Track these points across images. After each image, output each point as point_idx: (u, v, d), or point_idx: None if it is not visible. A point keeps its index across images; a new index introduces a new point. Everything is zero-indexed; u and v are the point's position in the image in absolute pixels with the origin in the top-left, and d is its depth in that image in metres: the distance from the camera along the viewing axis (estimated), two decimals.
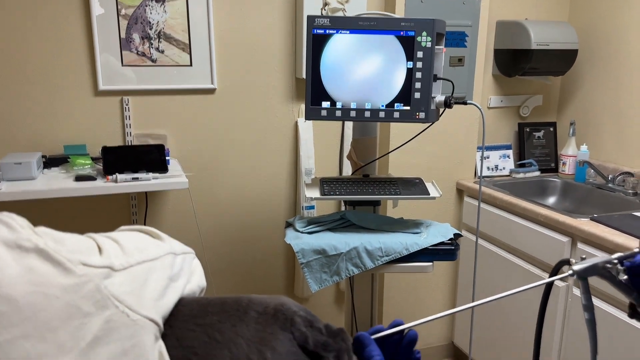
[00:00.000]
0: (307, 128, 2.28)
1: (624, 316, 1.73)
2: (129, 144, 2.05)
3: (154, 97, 2.08)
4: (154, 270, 0.56)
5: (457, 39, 2.33)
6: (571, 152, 2.50)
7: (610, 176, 2.33)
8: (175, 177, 1.86)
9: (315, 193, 1.74)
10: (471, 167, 2.50)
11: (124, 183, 1.75)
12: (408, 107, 1.65)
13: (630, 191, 2.25)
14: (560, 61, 2.44)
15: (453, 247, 1.72)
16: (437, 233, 1.76)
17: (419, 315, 2.60)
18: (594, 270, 0.73)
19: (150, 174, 1.80)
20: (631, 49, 2.33)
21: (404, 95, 1.64)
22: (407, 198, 1.74)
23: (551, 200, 2.51)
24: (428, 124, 1.74)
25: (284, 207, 2.36)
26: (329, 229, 1.77)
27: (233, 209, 2.28)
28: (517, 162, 2.62)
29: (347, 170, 2.19)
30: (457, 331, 2.64)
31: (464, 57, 2.38)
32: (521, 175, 2.55)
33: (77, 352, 0.45)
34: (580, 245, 1.89)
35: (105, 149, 1.81)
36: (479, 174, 2.53)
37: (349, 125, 2.19)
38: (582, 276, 0.73)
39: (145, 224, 2.15)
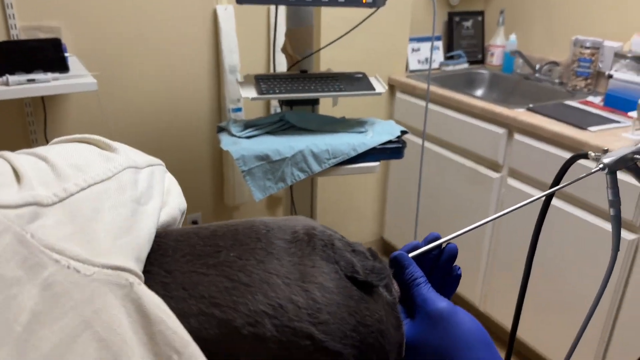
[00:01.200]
0: (228, 17, 2.01)
1: (586, 215, 1.77)
2: (14, 38, 1.69)
3: None
4: (107, 195, 0.38)
5: None
6: (499, 42, 2.46)
7: (537, 66, 2.33)
8: (79, 77, 1.56)
9: (251, 93, 1.54)
10: (402, 60, 2.39)
11: (18, 86, 1.44)
12: None
13: (556, 80, 2.27)
14: None
15: (400, 145, 1.63)
16: (383, 131, 1.66)
17: (352, 216, 2.57)
18: (623, 162, 0.66)
19: (49, 74, 1.50)
20: None
21: None
22: (352, 95, 1.60)
23: (479, 92, 2.49)
24: (373, 10, 1.57)
25: (206, 110, 2.13)
26: (268, 132, 1.60)
27: (148, 114, 2.02)
28: (446, 54, 2.54)
29: (279, 67, 1.98)
30: (387, 226, 2.66)
31: None
32: (450, 67, 2.48)
33: (12, 342, 0.30)
34: (517, 137, 1.89)
35: None
36: (411, 67, 2.42)
37: (280, 13, 1.95)
38: (613, 169, 0.65)
39: (45, 137, 1.84)
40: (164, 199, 0.49)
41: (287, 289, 0.40)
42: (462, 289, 2.25)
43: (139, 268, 0.37)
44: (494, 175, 2.00)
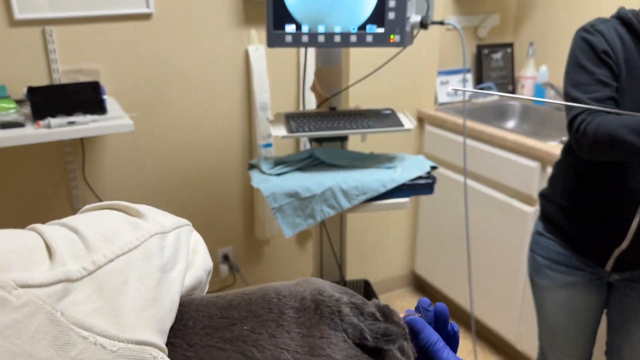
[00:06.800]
0: (259, 57, 2.06)
1: None
2: (57, 82, 1.77)
3: (81, 26, 1.78)
4: (133, 266, 0.39)
5: None
6: (530, 74, 2.44)
7: None
8: (117, 118, 1.62)
9: (281, 131, 1.57)
10: (431, 93, 2.39)
11: (59, 129, 1.50)
12: (382, 29, 1.48)
13: None
14: None
15: (431, 181, 1.63)
16: (413, 167, 1.66)
17: (382, 250, 2.56)
18: None
19: (88, 117, 1.56)
20: None
21: (377, 15, 1.47)
22: (380, 131, 1.61)
23: (511, 124, 2.47)
24: (400, 49, 1.59)
25: (238, 146, 2.17)
26: (298, 168, 1.62)
27: (182, 151, 2.07)
28: (477, 86, 2.54)
29: (309, 104, 2.02)
30: (418, 260, 2.63)
31: None
32: (481, 100, 2.47)
33: None
34: (550, 170, 1.85)
35: (31, 90, 1.54)
36: (440, 100, 2.43)
37: (309, 53, 1.99)
38: None
39: (84, 176, 1.91)
40: (189, 259, 0.50)
41: None
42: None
43: (162, 341, 0.39)
44: (529, 209, 1.97)
